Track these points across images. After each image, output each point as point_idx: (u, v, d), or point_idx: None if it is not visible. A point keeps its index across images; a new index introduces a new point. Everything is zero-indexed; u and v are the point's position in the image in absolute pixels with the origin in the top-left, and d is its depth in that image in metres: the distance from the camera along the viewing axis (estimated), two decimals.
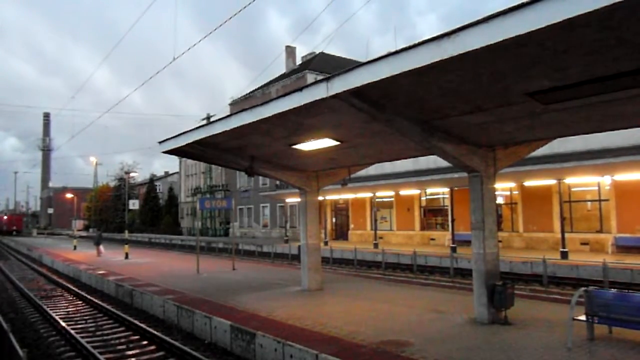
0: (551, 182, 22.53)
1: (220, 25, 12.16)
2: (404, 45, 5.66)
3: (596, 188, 22.87)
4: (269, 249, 32.80)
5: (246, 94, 52.32)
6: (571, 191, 23.66)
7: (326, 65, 44.26)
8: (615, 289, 8.41)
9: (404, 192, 31.13)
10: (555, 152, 19.95)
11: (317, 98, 6.90)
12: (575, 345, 7.03)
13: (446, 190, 27.62)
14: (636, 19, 4.32)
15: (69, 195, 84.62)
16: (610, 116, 7.64)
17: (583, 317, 7.31)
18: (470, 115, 7.52)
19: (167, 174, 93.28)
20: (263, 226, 49.02)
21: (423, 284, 14.54)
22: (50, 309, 12.89)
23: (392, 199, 32.96)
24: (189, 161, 63.59)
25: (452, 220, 25.58)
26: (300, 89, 7.32)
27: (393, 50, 5.89)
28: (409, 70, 5.48)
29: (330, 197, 34.87)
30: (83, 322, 11.78)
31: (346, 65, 6.89)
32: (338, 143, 9.82)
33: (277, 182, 38.01)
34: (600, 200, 22.84)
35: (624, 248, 21.12)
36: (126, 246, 27.32)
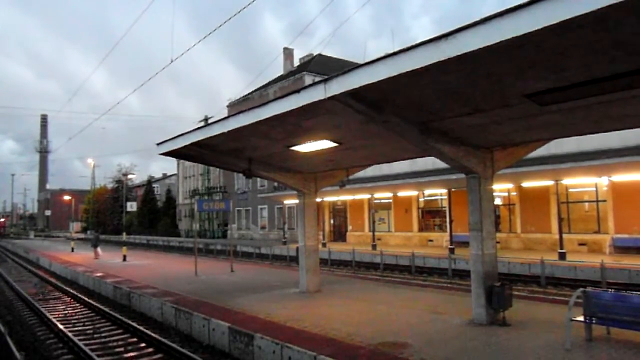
0: (549, 183, 22.59)
1: (217, 29, 12.17)
2: (398, 48, 5.67)
3: (594, 189, 22.94)
4: (267, 251, 32.78)
5: (244, 96, 52.33)
6: (569, 192, 23.72)
7: (324, 67, 44.29)
8: (613, 290, 8.41)
9: (402, 193, 31.16)
10: (552, 153, 20.00)
11: (315, 100, 6.90)
12: (574, 346, 7.04)
13: (444, 191, 27.66)
14: (632, 20, 4.34)
15: (66, 198, 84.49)
16: (608, 117, 7.66)
17: (581, 318, 7.32)
18: (468, 116, 7.53)
19: (165, 176, 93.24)
20: (261, 228, 48.98)
21: (421, 285, 14.54)
22: (48, 312, 12.85)
23: (390, 201, 32.98)
24: (187, 163, 63.55)
25: (450, 222, 25.60)
26: (298, 91, 7.32)
27: (389, 52, 5.90)
28: (407, 72, 5.48)
29: (329, 198, 34.87)
30: (81, 324, 11.74)
31: (344, 67, 6.90)
32: (336, 145, 9.82)
33: (275, 184, 38.00)
34: (597, 201, 22.91)
35: (621, 249, 21.17)
36: (124, 248, 27.27)
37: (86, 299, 14.73)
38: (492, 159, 9.22)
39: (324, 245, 30.83)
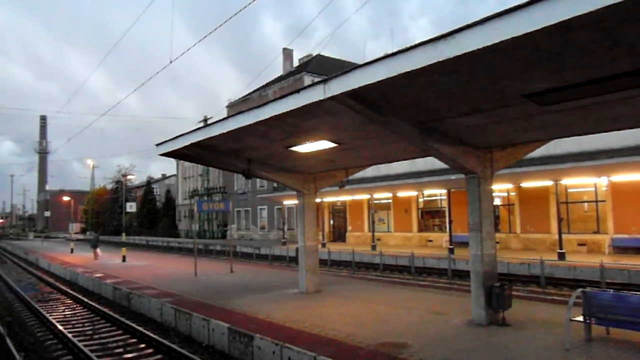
0: (548, 183, 22.60)
1: (216, 29, 12.16)
2: (397, 49, 5.68)
3: (593, 189, 22.95)
4: (266, 251, 32.77)
5: (243, 96, 52.33)
6: (568, 192, 23.73)
7: (323, 67, 44.30)
8: (613, 290, 8.41)
9: (402, 193, 31.17)
10: (552, 153, 20.02)
11: (314, 100, 6.91)
12: (573, 346, 7.04)
13: (444, 191, 27.66)
14: (630, 21, 4.34)
15: (65, 198, 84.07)
16: (607, 117, 7.67)
17: (580, 318, 7.32)
18: (467, 116, 7.54)
19: (164, 177, 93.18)
20: (261, 228, 48.98)
21: (421, 286, 14.54)
22: (47, 313, 12.84)
23: (390, 201, 32.98)
24: (186, 164, 63.53)
25: (450, 222, 25.59)
26: (298, 91, 7.33)
27: (388, 52, 5.90)
28: (406, 72, 5.49)
29: (328, 199, 34.86)
30: (80, 325, 11.73)
31: (343, 68, 6.90)
32: (335, 145, 9.82)
33: (275, 184, 38.00)
34: (597, 201, 22.92)
35: (620, 249, 21.18)
36: (123, 249, 27.26)
37: (86, 299, 14.71)
38: (491, 159, 9.23)
39: (323, 245, 30.82)
